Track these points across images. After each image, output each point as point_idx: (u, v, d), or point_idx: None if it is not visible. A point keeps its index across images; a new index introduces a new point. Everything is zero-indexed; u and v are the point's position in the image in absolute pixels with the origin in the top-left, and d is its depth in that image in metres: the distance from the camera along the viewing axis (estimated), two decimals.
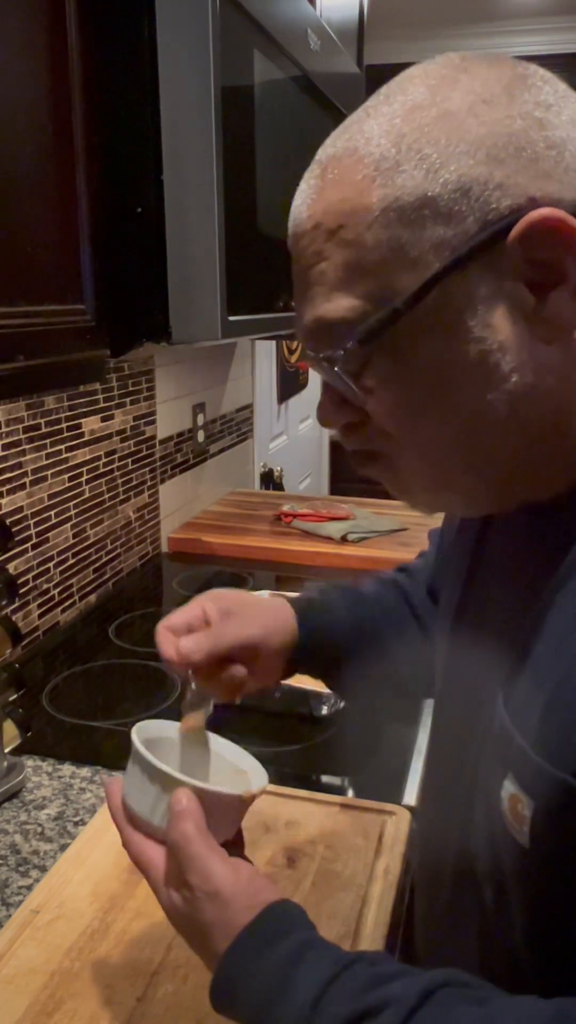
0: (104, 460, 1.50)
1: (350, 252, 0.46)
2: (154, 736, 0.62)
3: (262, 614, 0.69)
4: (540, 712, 0.45)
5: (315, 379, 3.28)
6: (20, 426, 1.24)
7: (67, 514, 1.40)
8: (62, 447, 1.36)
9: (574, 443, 0.48)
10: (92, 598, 1.49)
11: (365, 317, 0.46)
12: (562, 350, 0.45)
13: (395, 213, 0.44)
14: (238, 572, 1.65)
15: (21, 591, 1.28)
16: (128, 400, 1.57)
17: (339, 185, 0.46)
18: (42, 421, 1.30)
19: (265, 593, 0.79)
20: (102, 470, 1.50)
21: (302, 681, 1.06)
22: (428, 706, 0.81)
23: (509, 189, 0.43)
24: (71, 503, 1.40)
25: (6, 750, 0.96)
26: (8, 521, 1.23)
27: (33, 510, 1.30)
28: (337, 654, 0.73)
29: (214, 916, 0.50)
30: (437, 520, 0.75)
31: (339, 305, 0.47)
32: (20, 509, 1.27)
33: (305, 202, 0.49)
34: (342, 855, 0.81)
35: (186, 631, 0.65)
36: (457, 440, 0.48)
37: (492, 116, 0.43)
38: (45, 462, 1.32)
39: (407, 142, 0.44)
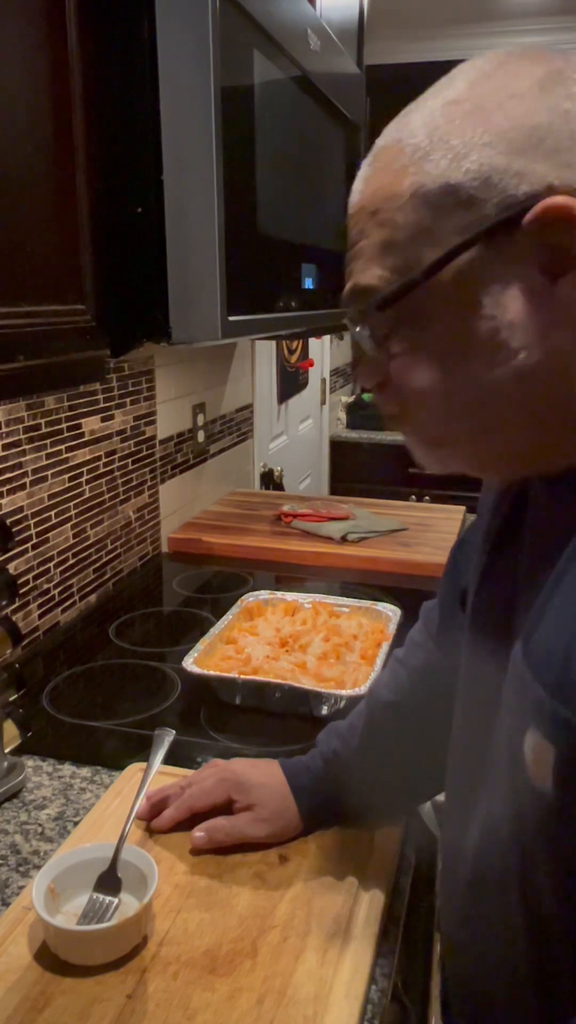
0: (104, 460, 1.50)
1: (385, 231, 0.51)
2: (75, 863, 0.74)
3: (273, 818, 0.81)
4: (560, 660, 0.47)
5: (315, 378, 3.28)
6: (20, 426, 1.24)
7: (67, 514, 1.40)
8: (62, 447, 1.36)
9: None
10: (92, 598, 1.49)
11: (389, 285, 0.51)
12: (573, 333, 0.47)
13: (422, 198, 0.48)
14: (238, 572, 1.65)
15: (21, 591, 1.28)
16: (128, 400, 1.57)
17: (383, 173, 0.51)
18: (42, 421, 1.30)
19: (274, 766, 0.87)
20: (102, 470, 1.50)
21: (302, 681, 1.07)
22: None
23: (527, 176, 0.46)
24: (71, 503, 1.41)
25: (6, 750, 0.96)
26: (8, 521, 1.23)
27: (33, 510, 1.30)
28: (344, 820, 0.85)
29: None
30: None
31: (370, 275, 0.52)
32: (20, 509, 1.27)
33: (358, 188, 0.54)
34: (334, 854, 0.81)
35: (208, 814, 0.82)
36: (464, 408, 0.51)
37: (518, 110, 0.46)
38: (45, 462, 1.32)
39: (439, 134, 0.48)
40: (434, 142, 0.48)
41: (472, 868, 0.59)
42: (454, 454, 0.56)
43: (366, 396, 3.73)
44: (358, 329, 0.53)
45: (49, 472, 1.33)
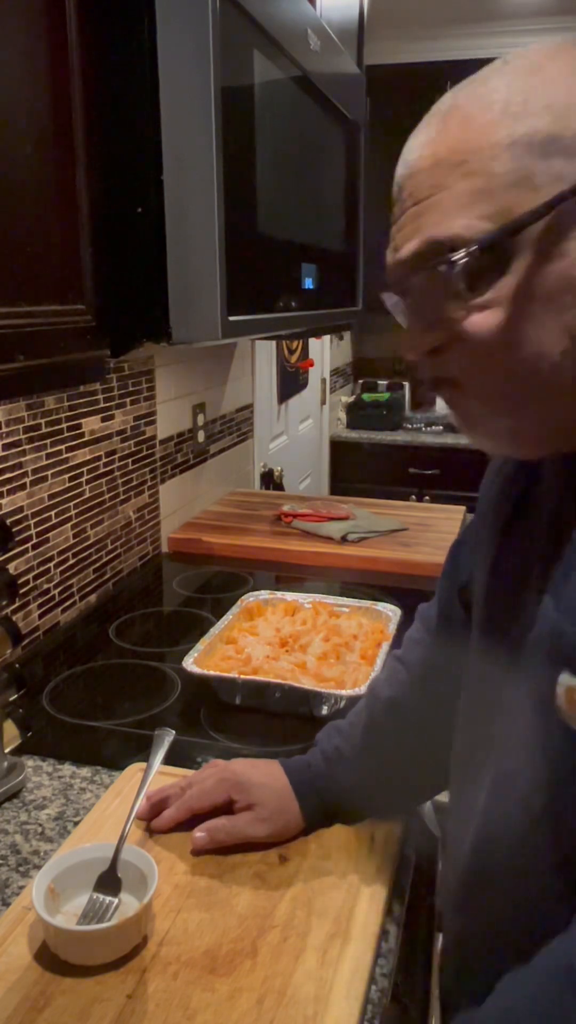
0: (104, 460, 1.50)
1: (476, 180, 0.50)
2: (75, 863, 0.74)
3: (273, 817, 0.81)
4: None
5: (315, 378, 3.28)
6: (20, 426, 1.24)
7: (67, 514, 1.40)
8: (62, 447, 1.36)
9: None
10: (92, 598, 1.50)
11: (482, 235, 0.50)
12: None
13: (524, 147, 0.49)
14: (238, 572, 1.65)
15: (21, 591, 1.28)
16: (128, 400, 1.57)
17: (463, 127, 0.51)
18: (42, 421, 1.30)
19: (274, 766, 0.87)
20: (102, 470, 1.50)
21: (302, 681, 1.07)
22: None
23: None
24: (71, 503, 1.41)
25: (6, 750, 0.96)
26: (8, 521, 1.23)
27: (33, 510, 1.30)
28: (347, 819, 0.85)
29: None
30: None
31: (454, 225, 0.51)
32: (20, 509, 1.27)
33: (424, 144, 0.53)
34: (333, 853, 0.81)
35: (209, 814, 0.82)
36: (543, 361, 0.51)
37: None
38: (45, 462, 1.32)
39: (532, 92, 0.50)
40: (528, 99, 0.50)
41: (481, 828, 0.60)
42: (508, 424, 0.55)
43: (366, 396, 3.73)
44: (443, 280, 0.52)
45: (49, 472, 1.33)
